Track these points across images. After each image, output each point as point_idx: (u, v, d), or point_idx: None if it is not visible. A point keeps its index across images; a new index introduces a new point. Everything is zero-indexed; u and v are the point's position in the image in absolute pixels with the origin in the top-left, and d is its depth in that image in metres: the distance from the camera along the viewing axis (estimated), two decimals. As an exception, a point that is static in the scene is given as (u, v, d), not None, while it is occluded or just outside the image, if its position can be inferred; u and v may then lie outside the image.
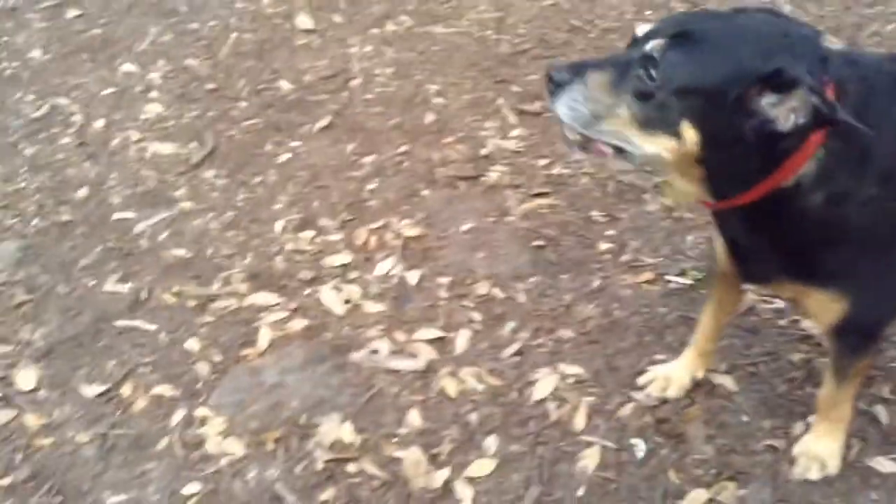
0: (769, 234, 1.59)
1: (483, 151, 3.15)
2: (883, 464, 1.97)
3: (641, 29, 1.52)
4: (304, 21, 3.95)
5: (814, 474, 1.95)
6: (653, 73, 1.42)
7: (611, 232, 2.75)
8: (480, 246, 2.72)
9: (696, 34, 1.43)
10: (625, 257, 2.63)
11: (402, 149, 3.18)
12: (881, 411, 2.08)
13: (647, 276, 2.55)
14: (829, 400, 1.93)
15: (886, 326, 1.87)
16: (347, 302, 2.54)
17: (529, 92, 3.45)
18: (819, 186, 1.48)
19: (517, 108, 3.38)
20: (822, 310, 1.71)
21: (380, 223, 2.84)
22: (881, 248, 1.63)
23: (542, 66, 3.57)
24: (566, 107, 1.49)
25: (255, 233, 2.84)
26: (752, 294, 2.36)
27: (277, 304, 2.53)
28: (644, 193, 2.89)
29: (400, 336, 2.40)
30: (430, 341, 2.38)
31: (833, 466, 1.95)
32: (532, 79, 3.52)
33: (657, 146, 1.46)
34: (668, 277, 2.54)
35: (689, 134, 1.42)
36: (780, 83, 1.36)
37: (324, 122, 3.33)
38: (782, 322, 2.35)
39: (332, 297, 2.56)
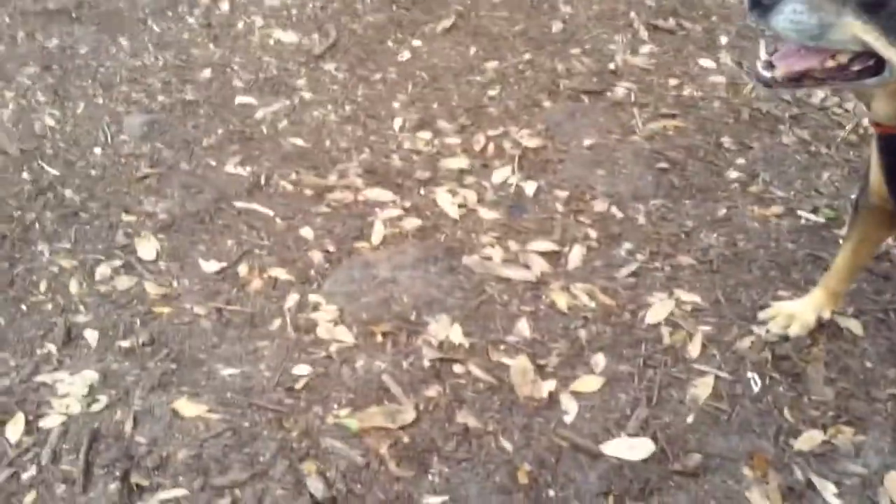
0: None
1: (610, 66, 3.04)
2: None
3: None
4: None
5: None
6: None
7: (741, 161, 2.62)
8: (601, 163, 2.63)
9: None
10: (754, 188, 2.51)
11: (526, 56, 3.09)
12: None
13: (777, 209, 2.43)
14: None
15: None
16: (462, 206, 2.52)
17: (664, 7, 3.29)
18: None
19: (650, 24, 3.23)
20: None
21: (499, 130, 2.78)
22: None
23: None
24: (788, 20, 1.36)
25: (372, 129, 2.82)
26: (889, 240, 2.22)
27: (392, 202, 2.52)
28: (780, 124, 2.74)
29: (513, 245, 2.37)
30: (544, 253, 2.34)
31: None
32: (669, -7, 3.34)
33: None
34: (799, 213, 2.42)
35: None
36: None
37: (447, 23, 3.25)
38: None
39: (447, 200, 2.53)
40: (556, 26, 3.20)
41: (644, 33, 3.16)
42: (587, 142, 2.71)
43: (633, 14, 3.24)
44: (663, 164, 2.62)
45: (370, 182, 2.60)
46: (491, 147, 2.71)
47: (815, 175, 2.54)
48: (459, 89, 2.96)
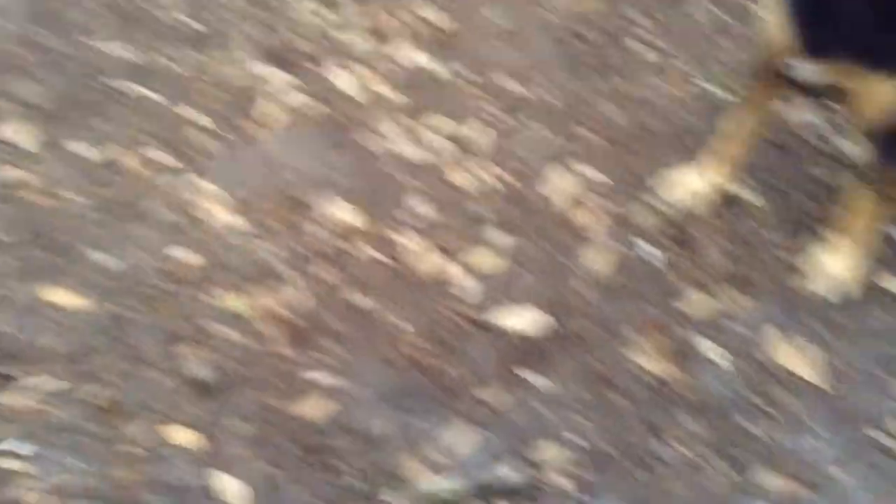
0: None
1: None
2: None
3: None
4: None
5: (828, 292, 1.88)
6: None
7: (647, 34, 2.54)
8: (507, 36, 2.52)
9: None
10: (656, 59, 2.45)
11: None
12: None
13: (677, 81, 2.38)
14: (853, 219, 1.83)
15: None
16: (358, 83, 2.40)
17: None
18: None
19: None
20: (876, 99, 1.57)
21: (401, 1, 2.63)
22: None
23: None
24: None
25: (266, 4, 2.65)
26: (785, 107, 2.20)
27: (282, 79, 2.38)
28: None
29: (412, 123, 2.27)
30: (443, 131, 2.25)
31: (848, 286, 1.88)
32: None
33: None
34: (700, 85, 2.37)
35: None
36: None
37: None
38: (813, 140, 2.20)
39: (343, 77, 2.41)
40: None
41: None
42: (493, 14, 2.59)
43: None
44: (570, 37, 2.53)
45: (260, 57, 2.45)
46: (392, 22, 2.57)
47: (719, 47, 2.49)
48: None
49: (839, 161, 2.16)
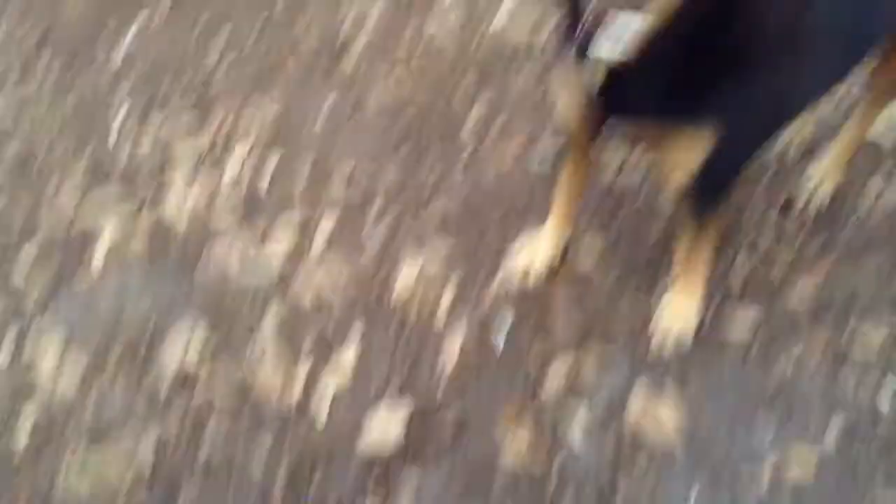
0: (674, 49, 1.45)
1: (343, 25, 2.90)
2: (740, 317, 1.97)
3: None
4: None
5: (671, 343, 1.93)
6: None
7: (478, 105, 2.58)
8: (342, 128, 2.52)
9: None
10: (493, 131, 2.48)
11: (257, 26, 2.91)
12: (736, 276, 2.05)
13: (515, 150, 2.42)
14: (683, 268, 1.89)
15: (738, 173, 1.78)
16: (198, 195, 2.35)
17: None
18: None
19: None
20: (687, 152, 1.62)
21: (235, 105, 2.61)
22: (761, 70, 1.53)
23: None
24: None
25: (93, 125, 2.59)
26: (613, 156, 2.27)
27: (120, 204, 2.32)
28: (514, 63, 2.70)
29: (254, 232, 2.24)
30: (287, 235, 2.23)
31: (690, 331, 1.93)
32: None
33: None
34: (534, 151, 2.41)
35: None
36: None
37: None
38: (644, 193, 2.26)
39: (179, 191, 2.36)
40: (288, -15, 3.02)
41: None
42: (327, 103, 2.59)
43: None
44: (402, 120, 2.55)
45: (94, 184, 2.38)
46: (227, 125, 2.55)
47: (549, 112, 2.54)
48: (189, 69, 2.75)
49: (662, 213, 2.21)
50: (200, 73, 2.73)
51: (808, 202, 2.23)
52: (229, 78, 2.71)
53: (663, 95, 1.53)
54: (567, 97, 1.68)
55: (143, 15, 3.00)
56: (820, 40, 1.58)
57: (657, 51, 1.43)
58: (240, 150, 2.46)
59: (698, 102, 1.53)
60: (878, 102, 2.11)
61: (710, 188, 1.72)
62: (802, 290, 2.02)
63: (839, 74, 1.75)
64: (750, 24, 1.41)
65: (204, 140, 2.50)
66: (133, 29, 2.94)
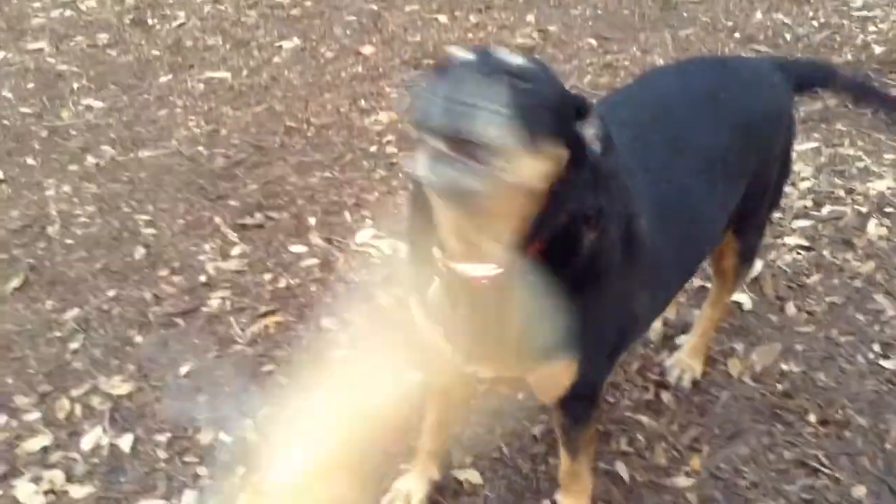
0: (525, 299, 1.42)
1: (202, 278, 2.89)
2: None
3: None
4: (-12, 173, 3.54)
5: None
6: None
7: (344, 338, 2.56)
8: (202, 388, 2.43)
9: None
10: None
11: (110, 293, 2.85)
12: (622, 467, 2.00)
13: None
14: (568, 474, 1.83)
15: (603, 386, 1.80)
16: (49, 492, 2.16)
17: (249, 204, 3.25)
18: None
19: (237, 224, 3.16)
20: (553, 382, 1.60)
21: (86, 387, 2.48)
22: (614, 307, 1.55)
23: (260, 175, 3.40)
24: None
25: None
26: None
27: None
28: (375, 289, 2.73)
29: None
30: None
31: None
32: (251, 189, 3.33)
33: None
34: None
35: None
36: None
37: (16, 282, 2.93)
38: (520, 397, 2.23)
39: (29, 492, 2.16)
40: (140, 252, 3.00)
41: (233, 235, 3.08)
42: (184, 369, 2.50)
43: (218, 219, 3.15)
44: (269, 367, 2.48)
45: (-72, 503, 2.16)
46: (78, 409, 2.40)
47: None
48: (37, 353, 2.63)
49: (546, 412, 2.17)
50: (51, 355, 2.62)
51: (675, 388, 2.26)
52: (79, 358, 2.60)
53: (526, 335, 1.50)
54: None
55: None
56: (658, 263, 1.66)
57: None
58: (92, 436, 2.31)
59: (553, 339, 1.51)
60: (724, 292, 2.21)
61: (578, 405, 1.72)
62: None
63: (679, 285, 1.88)
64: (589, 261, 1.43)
65: (52, 432, 2.34)
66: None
